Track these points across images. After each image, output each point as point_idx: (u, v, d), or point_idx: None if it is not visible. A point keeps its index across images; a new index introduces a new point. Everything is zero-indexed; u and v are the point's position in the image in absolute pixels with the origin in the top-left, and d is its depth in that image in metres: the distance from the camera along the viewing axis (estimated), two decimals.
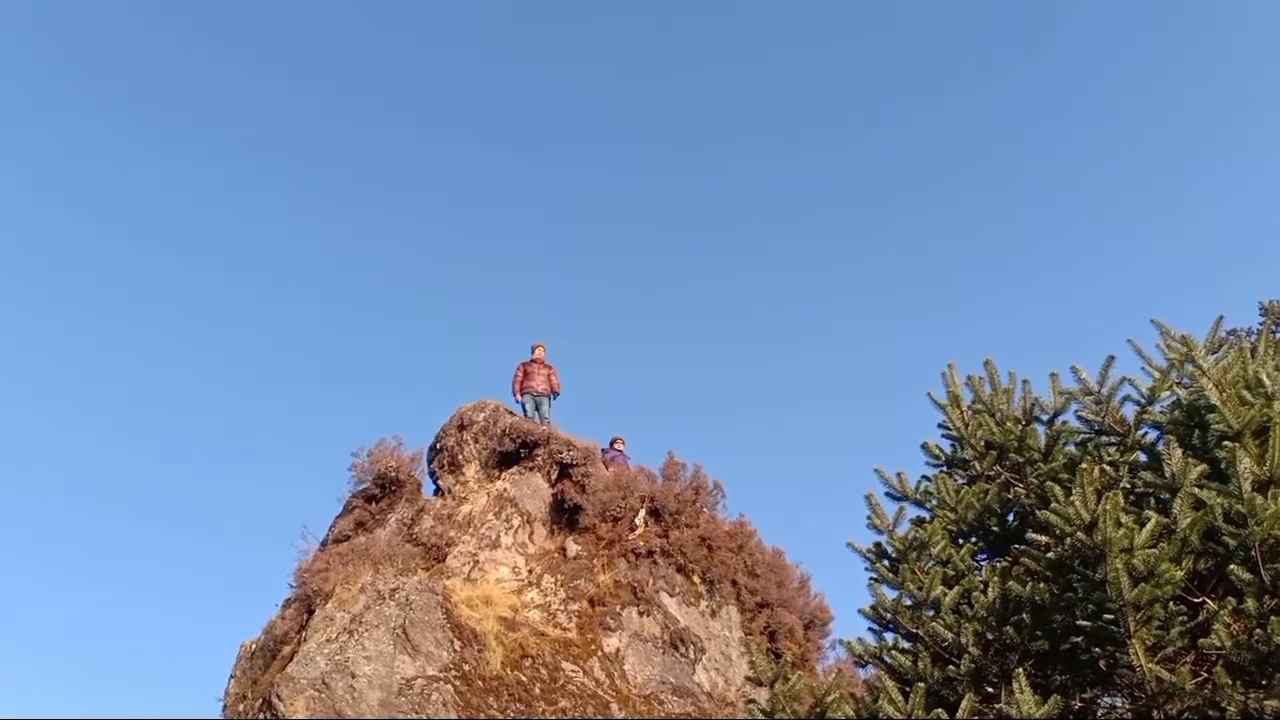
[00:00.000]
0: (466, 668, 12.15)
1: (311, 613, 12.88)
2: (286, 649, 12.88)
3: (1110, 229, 76.63)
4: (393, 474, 16.36)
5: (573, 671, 12.97)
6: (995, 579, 7.99)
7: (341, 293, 79.62)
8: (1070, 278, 76.03)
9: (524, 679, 12.45)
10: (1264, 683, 6.95)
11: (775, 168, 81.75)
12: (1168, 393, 8.37)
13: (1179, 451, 7.42)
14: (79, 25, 69.71)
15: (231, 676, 13.91)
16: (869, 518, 9.31)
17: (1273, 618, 6.86)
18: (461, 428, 17.66)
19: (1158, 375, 8.39)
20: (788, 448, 73.62)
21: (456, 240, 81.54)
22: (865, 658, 8.93)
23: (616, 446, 18.70)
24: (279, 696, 10.99)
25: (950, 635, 8.03)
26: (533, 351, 19.20)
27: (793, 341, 79.41)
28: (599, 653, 13.67)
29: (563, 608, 14.37)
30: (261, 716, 11.09)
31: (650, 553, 15.78)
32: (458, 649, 12.33)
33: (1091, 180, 77.30)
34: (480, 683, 12.05)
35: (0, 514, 65.37)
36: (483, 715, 11.65)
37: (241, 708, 12.70)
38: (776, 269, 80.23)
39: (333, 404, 73.81)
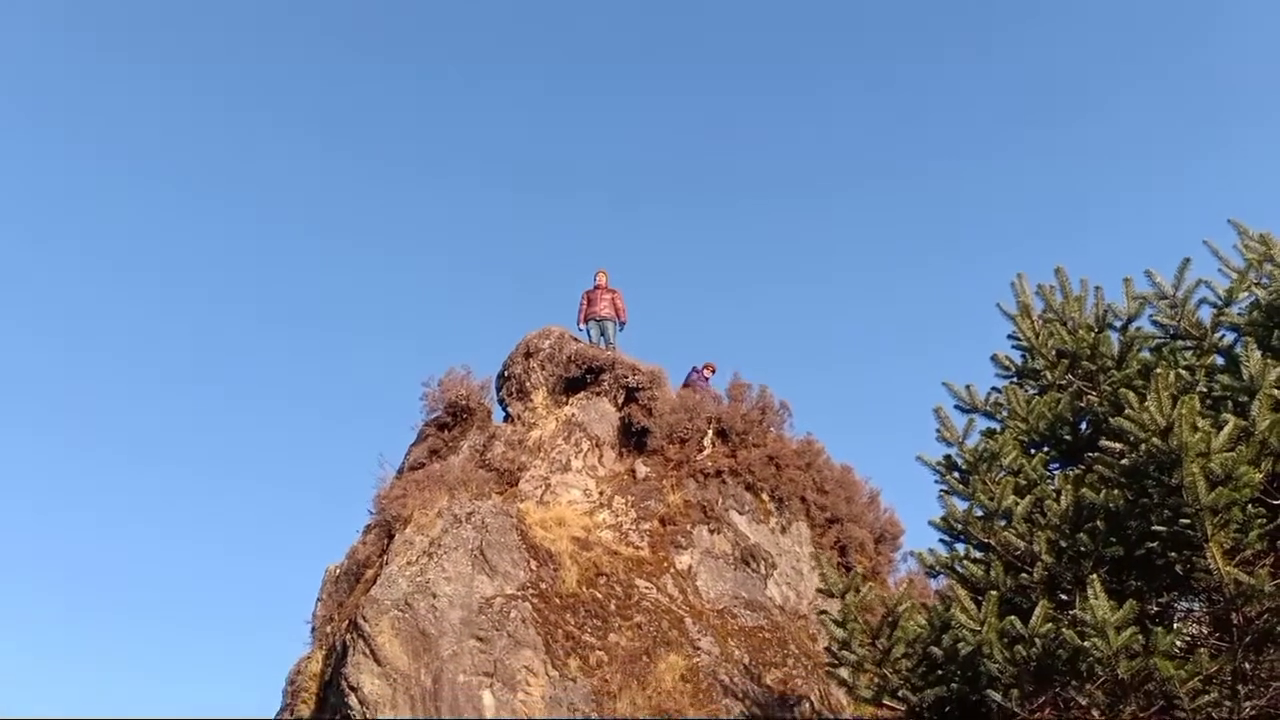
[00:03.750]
0: (543, 586, 12.47)
1: (391, 537, 13.25)
2: (369, 572, 13.30)
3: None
4: (463, 402, 16.63)
5: (646, 588, 13.23)
6: (1068, 487, 7.98)
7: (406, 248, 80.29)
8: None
9: (599, 596, 12.74)
10: None
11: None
12: (1246, 294, 8.20)
13: (1257, 353, 7.30)
14: None
15: (318, 600, 14.42)
16: (938, 431, 9.31)
17: None
18: (528, 355, 17.85)
19: (1235, 276, 8.21)
20: (858, 369, 73.43)
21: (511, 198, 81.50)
22: (937, 568, 9.01)
23: (705, 372, 18.73)
24: (364, 617, 11.37)
25: (1023, 544, 8.07)
26: (595, 278, 19.32)
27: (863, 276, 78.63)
28: (671, 570, 13.91)
29: (634, 527, 14.60)
30: (348, 636, 11.51)
31: (719, 472, 15.90)
32: (534, 568, 12.64)
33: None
34: (557, 600, 12.36)
35: (93, 476, 68.06)
36: (560, 630, 11.96)
37: (329, 629, 13.19)
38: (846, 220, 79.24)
39: (386, 344, 75.01)
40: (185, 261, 76.53)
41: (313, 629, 14.10)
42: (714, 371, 18.80)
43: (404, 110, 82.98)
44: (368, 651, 11.16)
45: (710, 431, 16.73)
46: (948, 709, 8.52)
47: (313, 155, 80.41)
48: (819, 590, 10.21)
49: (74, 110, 73.80)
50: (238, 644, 58.20)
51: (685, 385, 18.12)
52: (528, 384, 17.53)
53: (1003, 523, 8.24)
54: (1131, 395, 7.27)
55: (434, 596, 11.67)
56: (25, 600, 60.19)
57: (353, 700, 10.96)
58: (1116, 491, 7.51)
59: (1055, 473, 8.78)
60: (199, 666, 58.55)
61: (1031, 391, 9.33)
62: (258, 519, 69.16)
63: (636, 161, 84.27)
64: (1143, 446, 7.07)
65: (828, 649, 9.43)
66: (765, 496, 16.23)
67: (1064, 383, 9.04)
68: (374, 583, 12.20)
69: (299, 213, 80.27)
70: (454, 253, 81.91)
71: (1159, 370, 7.17)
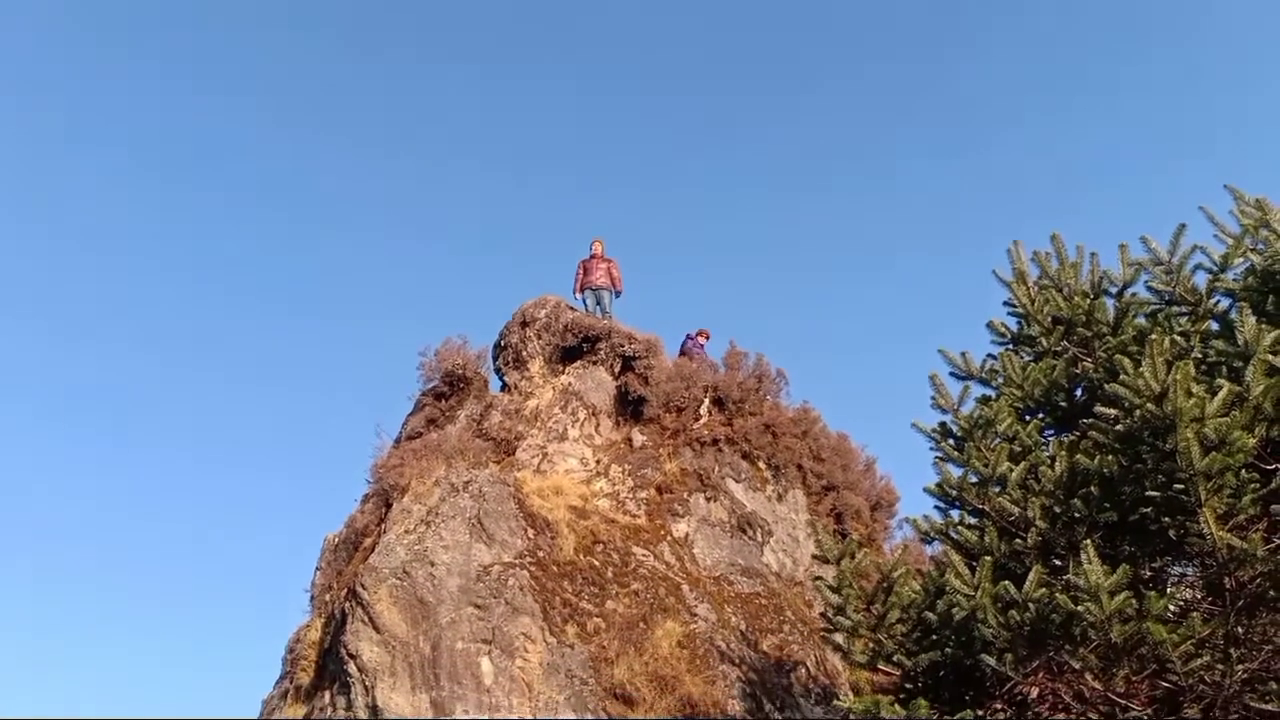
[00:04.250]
0: (541, 554, 12.52)
1: (389, 506, 13.29)
2: (367, 541, 13.35)
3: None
4: (460, 371, 16.62)
5: (643, 556, 13.29)
6: (1063, 453, 8.00)
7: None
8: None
9: (596, 563, 12.80)
10: None
11: None
12: (1241, 259, 8.20)
13: (1252, 318, 7.30)
14: None
15: (317, 568, 14.48)
16: (933, 398, 9.32)
17: None
18: (524, 325, 17.82)
19: (1231, 242, 8.20)
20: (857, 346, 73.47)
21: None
22: (931, 534, 9.06)
23: (699, 339, 18.73)
24: (363, 585, 11.42)
25: (1017, 510, 8.10)
26: (591, 248, 19.25)
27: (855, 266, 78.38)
28: (668, 537, 13.97)
29: (631, 496, 14.65)
30: (347, 604, 11.56)
31: (715, 441, 15.94)
32: (531, 537, 12.69)
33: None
34: (555, 568, 12.42)
35: (94, 453, 68.20)
36: (558, 598, 12.03)
37: (328, 597, 13.25)
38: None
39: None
40: (181, 239, 76.31)
41: (312, 597, 14.16)
42: (708, 338, 18.81)
43: (398, 90, 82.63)
44: (366, 619, 11.23)
45: (706, 400, 16.76)
46: (942, 673, 8.59)
47: (309, 135, 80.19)
48: (815, 557, 10.26)
49: (76, 93, 73.33)
50: (238, 614, 58.67)
51: (681, 353, 18.13)
52: (524, 353, 17.52)
53: (997, 489, 8.27)
54: (1126, 361, 7.28)
55: (432, 565, 11.73)
56: (27, 575, 60.51)
57: (352, 667, 11.04)
58: (1111, 457, 7.53)
59: (1050, 439, 8.81)
60: (201, 637, 59.00)
61: (1027, 358, 9.34)
62: (257, 490, 69.44)
63: (637, 141, 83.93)
64: (1137, 412, 7.09)
65: (823, 614, 9.50)
66: (762, 464, 16.28)
67: (1059, 349, 9.05)
68: (372, 551, 12.26)
69: (295, 190, 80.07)
70: (450, 225, 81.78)
71: (1154, 336, 7.17)
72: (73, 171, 73.85)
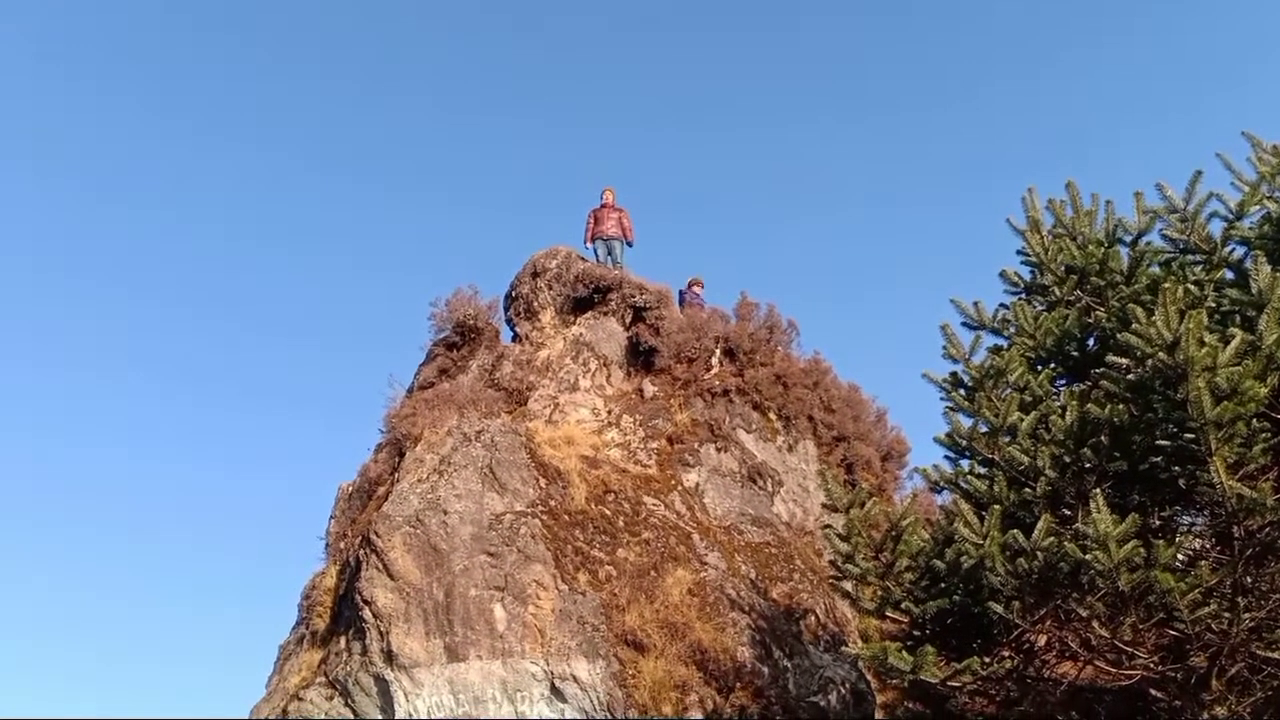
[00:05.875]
0: (552, 503, 12.62)
1: (402, 455, 13.38)
2: (381, 490, 13.47)
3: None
4: (471, 321, 16.65)
5: (654, 505, 13.39)
6: (1073, 403, 7.99)
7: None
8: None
9: (608, 513, 12.90)
10: None
11: None
12: (1257, 207, 8.12)
13: (1267, 267, 7.25)
14: None
15: (331, 517, 14.63)
16: (944, 348, 9.29)
17: None
18: (535, 275, 17.80)
19: (1247, 189, 8.12)
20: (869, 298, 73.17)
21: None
22: (941, 484, 9.08)
23: (694, 289, 18.72)
24: (377, 533, 11.55)
25: (1027, 459, 8.10)
26: (602, 197, 19.15)
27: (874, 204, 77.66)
28: (679, 487, 14.05)
29: (642, 446, 14.72)
30: (361, 551, 11.70)
31: (726, 391, 15.96)
32: (543, 486, 12.78)
33: None
34: (566, 517, 12.53)
35: (112, 404, 68.69)
36: (569, 546, 12.14)
37: (343, 545, 13.40)
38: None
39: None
40: (197, 193, 76.13)
41: (327, 545, 14.32)
42: (702, 285, 18.81)
43: (405, 37, 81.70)
44: (381, 566, 11.36)
45: (718, 351, 16.76)
46: (950, 621, 8.66)
47: (317, 80, 79.53)
48: (824, 506, 10.32)
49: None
50: (252, 562, 59.53)
51: (683, 305, 18.08)
52: (535, 304, 17.52)
53: (1007, 438, 8.28)
54: (1139, 310, 7.24)
55: (445, 513, 11.84)
56: (36, 533, 61.27)
57: (367, 613, 11.19)
58: (1121, 406, 7.52)
59: (1061, 389, 8.80)
60: (214, 586, 59.88)
61: (1039, 308, 9.30)
62: (272, 439, 70.06)
63: (644, 85, 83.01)
64: (1149, 361, 7.07)
65: (832, 562, 9.56)
66: (772, 415, 16.31)
67: (1072, 298, 9.01)
68: (386, 500, 12.37)
69: (307, 142, 79.63)
70: (462, 174, 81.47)
71: (1167, 285, 7.12)
72: (84, 124, 73.63)
